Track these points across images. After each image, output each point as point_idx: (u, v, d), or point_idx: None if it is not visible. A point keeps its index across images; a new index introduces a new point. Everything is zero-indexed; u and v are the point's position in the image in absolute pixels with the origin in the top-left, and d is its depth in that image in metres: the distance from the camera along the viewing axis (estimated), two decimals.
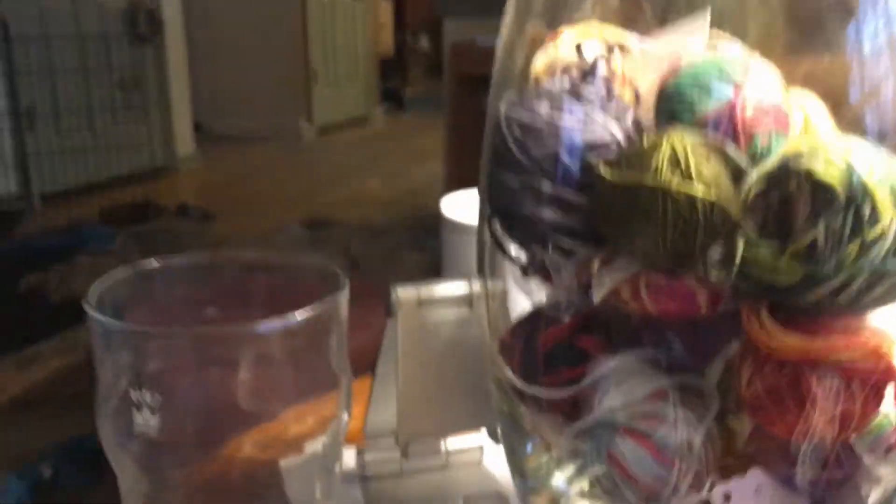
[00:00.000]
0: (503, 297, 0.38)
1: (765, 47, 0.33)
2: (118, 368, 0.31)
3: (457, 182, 0.59)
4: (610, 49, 0.34)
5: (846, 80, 0.31)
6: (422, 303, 0.42)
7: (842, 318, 0.28)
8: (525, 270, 0.35)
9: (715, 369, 0.31)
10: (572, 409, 0.32)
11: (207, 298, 0.37)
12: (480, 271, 0.38)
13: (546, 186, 0.31)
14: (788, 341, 0.28)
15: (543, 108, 0.32)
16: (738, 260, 0.28)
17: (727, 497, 0.30)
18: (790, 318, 0.28)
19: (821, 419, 0.28)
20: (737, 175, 0.29)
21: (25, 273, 2.02)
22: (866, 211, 0.26)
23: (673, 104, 0.31)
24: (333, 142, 4.31)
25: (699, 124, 0.30)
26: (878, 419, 0.29)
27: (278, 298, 0.36)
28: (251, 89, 4.22)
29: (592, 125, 0.31)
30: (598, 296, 0.30)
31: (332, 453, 0.35)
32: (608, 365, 0.31)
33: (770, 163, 0.29)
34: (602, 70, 0.33)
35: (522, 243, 0.34)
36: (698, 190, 0.28)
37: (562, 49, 0.35)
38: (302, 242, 2.23)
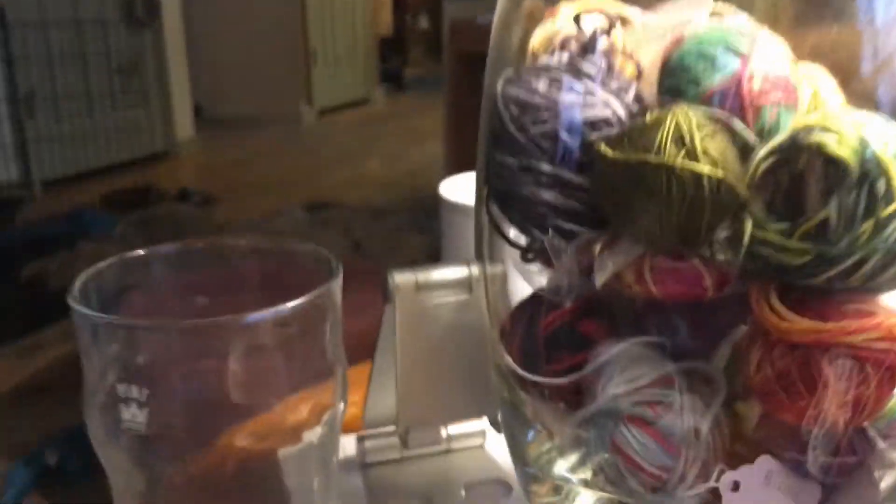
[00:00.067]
0: (503, 282, 0.37)
1: (771, 19, 0.31)
2: (105, 363, 0.30)
3: (457, 162, 0.58)
4: (610, 22, 0.33)
5: (856, 52, 0.30)
6: (420, 287, 0.41)
7: (854, 299, 0.27)
8: (525, 254, 0.34)
9: (722, 354, 0.30)
10: (575, 397, 0.31)
11: (197, 287, 0.36)
12: (479, 256, 0.37)
13: (545, 166, 0.29)
14: (799, 324, 0.27)
15: (541, 84, 0.30)
16: (745, 240, 0.27)
17: (736, 485, 0.29)
18: (800, 300, 0.27)
19: (833, 404, 0.27)
20: (744, 151, 0.28)
21: (27, 261, 2.02)
22: (881, 187, 0.25)
23: (677, 78, 0.29)
24: (333, 123, 4.29)
25: (704, 98, 0.29)
26: (893, 402, 0.28)
27: (271, 286, 0.35)
28: (251, 72, 4.20)
29: (592, 102, 0.30)
30: (600, 280, 0.29)
31: (330, 443, 0.34)
32: (611, 350, 0.30)
33: (779, 138, 0.27)
34: (602, 44, 0.32)
35: (521, 226, 0.33)
36: (704, 167, 0.26)
37: (560, 23, 0.34)
38: (303, 225, 2.22)
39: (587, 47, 0.32)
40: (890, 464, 0.29)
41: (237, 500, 0.33)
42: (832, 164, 0.26)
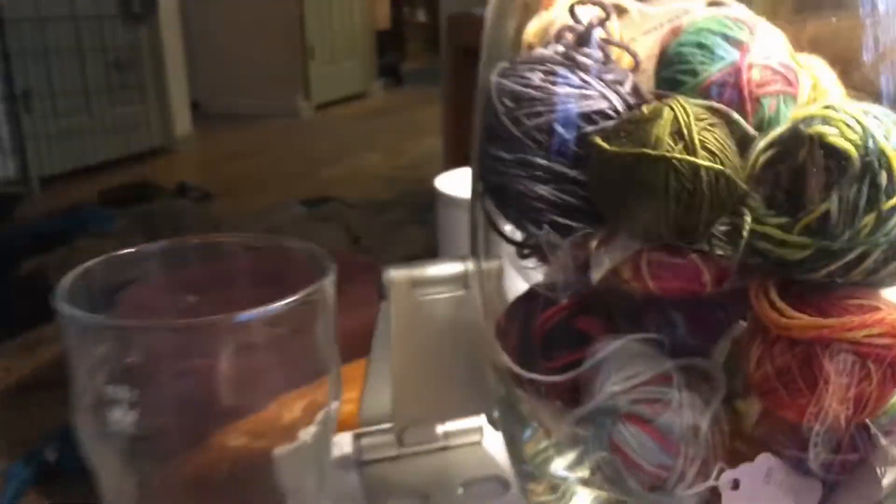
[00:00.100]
0: (499, 277, 0.36)
1: (770, 9, 0.31)
2: (93, 364, 0.29)
3: (456, 155, 0.58)
4: (607, 11, 0.32)
5: (856, 43, 0.29)
6: (415, 283, 0.41)
7: (856, 294, 0.27)
8: (521, 250, 0.33)
9: (721, 350, 0.29)
10: (572, 394, 0.31)
11: (188, 284, 0.35)
12: (474, 252, 0.37)
13: (540, 160, 0.29)
14: (799, 320, 0.26)
15: (536, 76, 0.30)
16: (745, 234, 0.27)
17: (736, 483, 0.28)
18: (801, 295, 0.27)
19: (834, 401, 0.26)
20: (744, 143, 0.27)
21: (25, 257, 2.01)
22: (883, 179, 0.25)
23: (674, 68, 0.29)
24: (331, 118, 4.28)
25: (702, 90, 0.28)
26: (895, 399, 0.28)
27: (264, 283, 0.35)
28: (248, 67, 4.18)
29: (588, 93, 0.29)
30: (596, 275, 0.28)
31: (324, 442, 0.34)
32: (609, 347, 0.29)
33: (779, 129, 0.27)
34: (598, 34, 0.31)
35: (517, 221, 0.32)
36: (702, 160, 0.26)
37: (555, 13, 0.33)
38: (301, 220, 2.22)
39: (583, 38, 0.31)
40: (892, 460, 0.29)
41: (231, 500, 0.32)
42: (833, 156, 0.25)
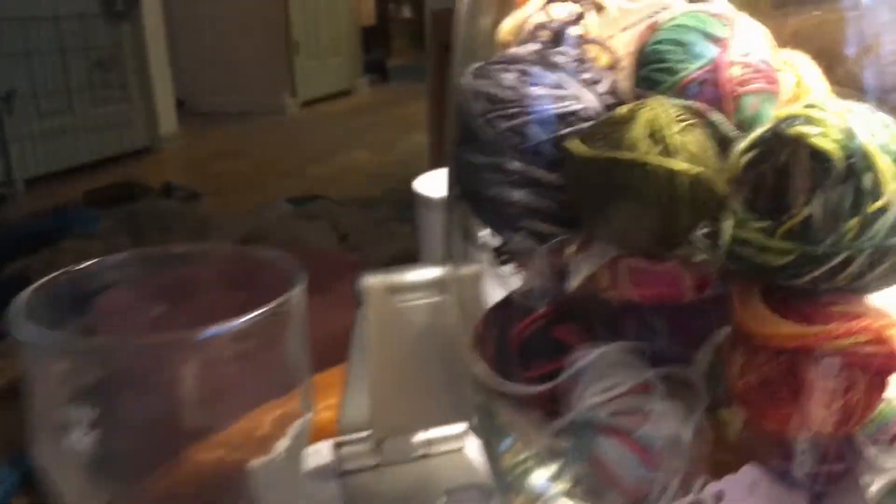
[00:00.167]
0: (477, 283, 0.35)
1: (751, 2, 0.30)
2: (52, 383, 0.28)
3: (441, 152, 0.57)
4: (584, 8, 0.31)
5: (840, 37, 0.28)
6: (392, 290, 0.39)
7: (841, 300, 0.26)
8: (499, 256, 0.32)
9: (703, 359, 0.28)
10: (551, 404, 0.30)
11: (160, 292, 0.34)
12: (451, 257, 0.36)
13: (514, 164, 0.28)
14: (782, 329, 0.25)
15: (510, 77, 0.29)
16: (726, 239, 0.26)
17: (720, 496, 0.27)
18: (785, 301, 0.26)
19: (820, 411, 0.25)
20: (723, 145, 0.26)
21: (10, 259, 1.99)
22: (868, 181, 0.24)
23: (652, 67, 0.28)
24: (318, 115, 4.26)
25: (680, 89, 0.27)
26: (883, 406, 0.27)
27: (237, 291, 0.34)
28: (234, 65, 4.16)
29: (563, 94, 0.28)
30: (574, 283, 0.27)
31: (296, 454, 0.33)
32: (587, 357, 0.28)
33: (760, 129, 0.26)
34: (574, 32, 0.30)
35: (493, 227, 0.31)
36: (680, 164, 0.25)
37: (530, 11, 0.32)
38: (288, 218, 2.20)
39: (558, 36, 0.30)
40: (880, 470, 0.28)
41: None
42: (816, 157, 0.24)
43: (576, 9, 0.31)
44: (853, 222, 0.24)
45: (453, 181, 0.33)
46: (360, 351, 0.42)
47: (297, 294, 0.30)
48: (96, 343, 0.28)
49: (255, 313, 0.28)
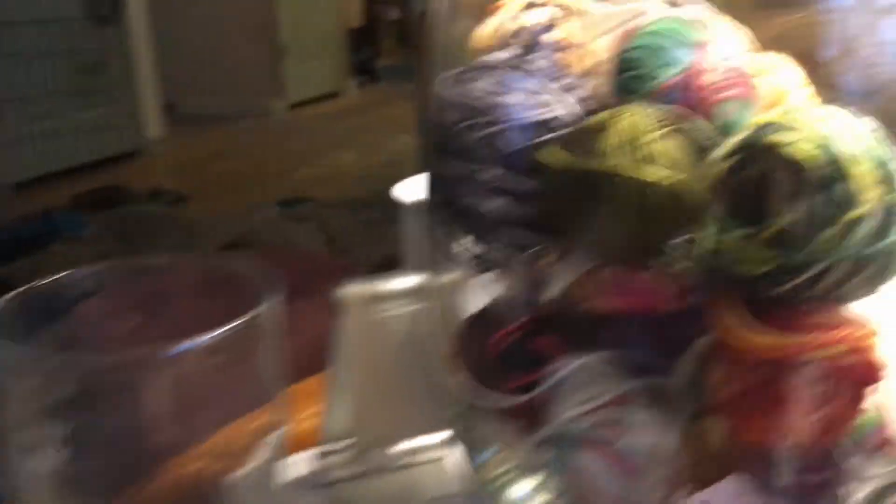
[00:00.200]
0: (457, 291, 0.35)
1: (731, 6, 0.29)
2: (21, 400, 0.28)
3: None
4: (561, 13, 0.31)
5: (822, 39, 0.28)
6: (372, 300, 0.39)
7: (821, 309, 0.25)
8: (478, 265, 0.32)
9: (683, 369, 0.28)
10: (531, 416, 0.29)
11: (130, 307, 0.34)
12: (430, 266, 0.35)
13: (489, 173, 0.27)
14: (763, 339, 0.25)
15: (484, 84, 0.28)
16: (707, 247, 0.25)
17: None
18: (764, 311, 0.25)
19: (801, 421, 0.25)
20: (700, 153, 0.26)
21: None
22: (846, 189, 0.23)
23: (628, 74, 0.27)
24: (306, 117, 4.24)
25: (657, 95, 0.27)
26: (864, 416, 0.27)
27: (210, 304, 0.33)
28: (221, 68, 4.14)
29: (539, 101, 0.28)
30: (551, 293, 0.27)
31: (274, 466, 0.33)
32: (566, 368, 0.28)
33: (737, 137, 0.25)
34: (550, 38, 0.30)
35: (471, 235, 0.31)
36: (655, 173, 0.24)
37: (506, 16, 0.32)
38: (276, 221, 2.19)
39: (534, 42, 0.30)
40: (864, 479, 0.28)
41: None
42: (793, 165, 0.24)
43: (549, 14, 0.30)
44: (832, 231, 0.23)
45: (430, 190, 0.32)
46: (340, 361, 0.41)
47: (269, 307, 0.29)
48: (67, 359, 0.28)
49: (227, 327, 0.27)
